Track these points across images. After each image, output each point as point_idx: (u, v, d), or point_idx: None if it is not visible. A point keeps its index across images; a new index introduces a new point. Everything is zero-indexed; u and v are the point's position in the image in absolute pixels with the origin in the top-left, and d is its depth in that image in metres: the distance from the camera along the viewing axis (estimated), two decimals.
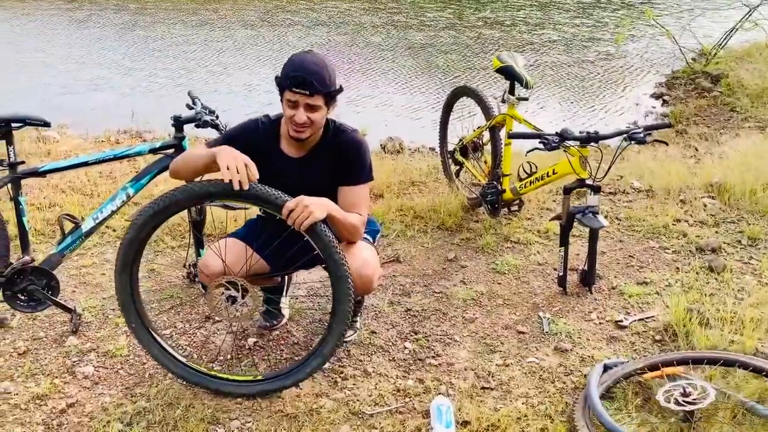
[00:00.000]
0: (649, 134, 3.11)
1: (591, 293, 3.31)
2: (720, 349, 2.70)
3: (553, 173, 3.48)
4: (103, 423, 2.41)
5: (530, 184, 3.65)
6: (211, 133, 3.10)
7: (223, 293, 2.46)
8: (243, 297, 2.44)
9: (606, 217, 4.11)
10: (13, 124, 2.81)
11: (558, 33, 11.14)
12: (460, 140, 4.37)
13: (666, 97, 8.21)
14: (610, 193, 4.51)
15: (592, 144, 3.16)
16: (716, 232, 3.91)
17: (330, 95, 2.42)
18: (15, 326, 3.00)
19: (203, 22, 12.25)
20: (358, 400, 2.55)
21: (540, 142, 3.11)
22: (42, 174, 2.90)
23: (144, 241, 2.39)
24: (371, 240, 2.76)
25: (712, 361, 2.49)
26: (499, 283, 3.42)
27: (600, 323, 3.08)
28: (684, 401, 2.25)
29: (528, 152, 3.27)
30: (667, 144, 3.29)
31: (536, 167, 3.63)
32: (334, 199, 2.53)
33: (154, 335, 2.52)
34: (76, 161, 2.97)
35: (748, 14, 8.60)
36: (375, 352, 2.86)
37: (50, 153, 5.32)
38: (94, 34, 11.40)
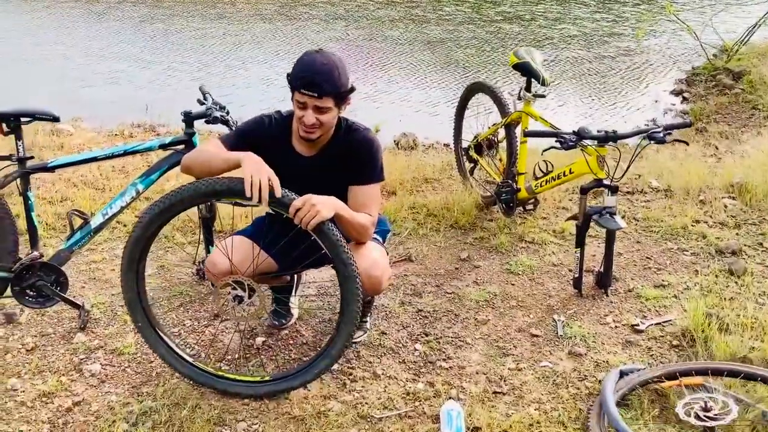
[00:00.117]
0: (669, 133, 3.03)
1: (607, 296, 3.24)
2: (740, 356, 2.62)
3: (570, 173, 3.41)
4: (109, 422, 2.38)
5: (546, 183, 3.58)
6: (221, 129, 3.07)
7: (229, 293, 2.43)
8: (250, 297, 2.40)
9: (623, 217, 4.03)
10: (23, 119, 2.78)
11: (577, 28, 11.00)
12: (475, 137, 4.30)
13: (686, 94, 8.08)
14: (627, 192, 4.43)
15: (609, 143, 3.08)
16: (737, 233, 3.81)
17: (340, 96, 2.36)
18: (24, 322, 2.98)
19: (221, 15, 12.24)
20: (366, 404, 2.50)
21: (556, 141, 3.04)
22: (51, 169, 2.88)
23: (150, 239, 2.35)
24: (381, 240, 2.71)
25: (733, 374, 2.40)
26: (513, 284, 3.36)
27: (615, 327, 3.01)
28: (705, 416, 2.18)
29: (544, 151, 3.20)
30: (687, 144, 3.20)
31: (552, 166, 3.56)
32: (345, 199, 2.49)
33: (161, 334, 2.49)
34: (85, 156, 2.95)
35: None
36: (385, 353, 2.81)
37: (63, 146, 5.32)
38: (113, 27, 11.43)
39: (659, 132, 3.00)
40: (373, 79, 8.21)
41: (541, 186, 3.62)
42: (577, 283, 3.25)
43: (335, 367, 2.67)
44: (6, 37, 10.62)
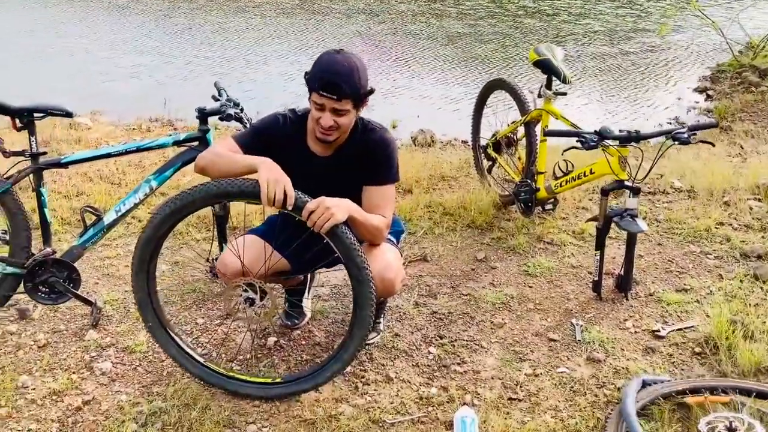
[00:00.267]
0: (694, 134, 2.94)
1: (627, 300, 3.16)
2: (765, 365, 2.54)
3: (591, 173, 3.33)
4: (118, 423, 2.36)
5: (566, 183, 3.50)
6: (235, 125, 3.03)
7: (240, 295, 2.39)
8: (261, 299, 2.36)
9: (644, 218, 3.94)
10: (36, 114, 2.76)
11: (601, 23, 10.85)
12: (494, 135, 4.23)
13: (710, 92, 7.93)
14: (649, 192, 4.33)
15: (632, 143, 3.00)
16: (762, 237, 3.71)
17: (359, 99, 2.31)
18: (37, 318, 2.97)
19: (242, 10, 12.23)
20: (378, 408, 2.45)
21: (577, 141, 2.96)
22: (64, 165, 2.86)
23: (161, 239, 2.32)
24: (395, 241, 2.66)
25: (763, 395, 2.31)
26: (531, 287, 3.29)
27: (635, 332, 2.93)
28: None
29: (565, 151, 3.13)
30: (713, 145, 3.10)
31: (573, 166, 3.48)
32: (359, 199, 2.44)
33: (172, 335, 2.46)
34: (98, 153, 2.92)
35: None
36: (398, 356, 2.76)
37: (81, 140, 5.33)
38: (135, 20, 11.46)
39: (683, 132, 2.91)
40: (392, 74, 8.16)
41: (560, 186, 3.54)
42: (597, 286, 3.17)
43: (347, 369, 2.63)
44: (29, 30, 10.69)
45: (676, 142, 2.92)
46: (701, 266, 3.47)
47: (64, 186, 4.24)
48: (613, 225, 3.08)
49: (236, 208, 3.41)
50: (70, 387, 2.54)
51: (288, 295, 2.94)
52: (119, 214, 2.88)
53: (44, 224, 2.88)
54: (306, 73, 2.31)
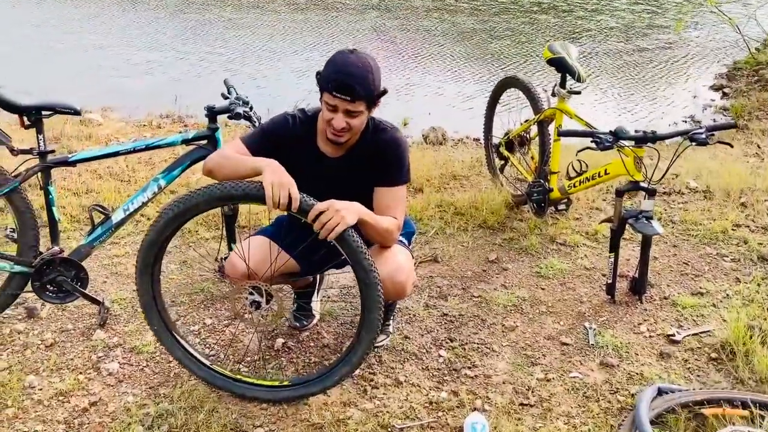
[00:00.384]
0: (712, 135, 2.87)
1: (641, 303, 3.10)
2: None
3: (605, 173, 3.27)
4: (125, 425, 2.33)
5: (580, 184, 3.44)
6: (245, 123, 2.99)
7: (247, 298, 2.36)
8: (267, 302, 2.33)
9: (659, 219, 3.88)
10: (44, 112, 2.74)
11: (616, 19, 10.73)
12: (506, 134, 4.17)
13: (726, 90, 7.82)
14: (664, 193, 4.26)
15: (648, 144, 2.94)
16: None
17: (372, 100, 2.26)
18: (44, 317, 2.96)
19: (254, 5, 12.19)
20: (387, 412, 2.42)
21: (592, 141, 2.90)
22: (72, 164, 2.84)
23: (165, 242, 2.29)
24: (406, 243, 2.61)
25: None
26: (543, 289, 3.24)
27: (650, 336, 2.88)
28: None
29: (579, 151, 3.07)
30: (731, 146, 3.03)
31: (587, 166, 3.42)
32: (370, 200, 2.40)
33: (177, 337, 2.43)
34: (107, 151, 2.90)
35: None
36: (408, 359, 2.72)
37: (91, 136, 5.32)
38: (148, 16, 11.45)
39: (701, 133, 2.85)
40: (404, 71, 8.10)
41: (574, 186, 3.48)
42: (611, 289, 3.12)
43: (356, 372, 2.60)
44: (41, 26, 10.71)
45: (694, 143, 2.86)
46: (717, 269, 3.41)
47: (73, 183, 4.23)
48: (627, 227, 3.03)
49: (245, 206, 3.37)
50: (76, 387, 2.52)
51: (297, 297, 2.91)
52: (127, 213, 2.86)
53: (52, 223, 2.86)
54: (318, 73, 2.27)
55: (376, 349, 2.75)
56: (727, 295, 3.17)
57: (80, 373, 2.60)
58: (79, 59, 8.81)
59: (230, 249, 3.14)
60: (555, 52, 3.61)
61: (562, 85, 3.63)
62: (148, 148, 2.93)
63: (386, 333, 2.81)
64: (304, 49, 9.32)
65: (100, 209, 2.87)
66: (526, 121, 3.99)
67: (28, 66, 8.33)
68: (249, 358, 2.72)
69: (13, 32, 10.11)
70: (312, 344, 2.82)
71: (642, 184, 2.97)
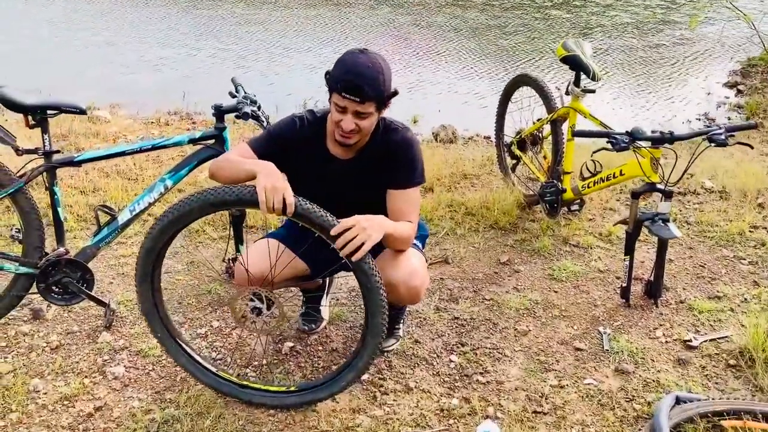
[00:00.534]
0: (732, 135, 2.80)
1: (657, 307, 3.04)
2: None
3: (620, 174, 3.20)
4: (129, 431, 2.29)
5: (594, 185, 3.38)
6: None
7: (247, 305, 2.31)
8: (269, 308, 2.28)
9: (674, 220, 3.80)
10: (49, 112, 2.69)
11: (630, 15, 10.60)
12: (518, 133, 4.10)
13: (741, 87, 7.71)
14: (679, 193, 4.19)
15: (665, 145, 2.87)
16: None
17: (383, 101, 2.21)
18: (50, 318, 2.92)
19: (266, 1, 12.12)
20: (397, 419, 2.36)
21: (608, 142, 2.83)
22: (77, 164, 2.79)
23: (162, 249, 2.25)
24: (420, 246, 2.55)
25: None
26: (556, 292, 3.18)
27: (666, 342, 2.81)
28: None
29: (595, 152, 3.00)
30: (751, 147, 2.96)
31: (601, 166, 3.35)
32: (382, 203, 2.35)
33: (182, 344, 2.39)
34: (113, 151, 2.85)
35: None
36: (418, 364, 2.66)
37: (99, 134, 5.28)
38: (159, 12, 11.40)
39: (720, 134, 2.77)
40: (416, 68, 8.02)
41: (588, 187, 3.42)
42: (625, 292, 3.05)
43: (365, 377, 2.55)
44: (54, 22, 10.69)
45: (713, 144, 2.78)
46: (735, 272, 3.33)
47: (80, 181, 4.19)
48: (643, 229, 2.96)
49: None
50: (82, 392, 2.48)
51: (305, 300, 2.86)
52: (133, 213, 2.81)
53: (58, 223, 2.82)
54: (327, 73, 2.21)
55: (385, 354, 2.70)
56: (745, 299, 3.10)
57: (85, 376, 2.56)
58: (89, 56, 8.77)
59: (237, 250, 3.10)
60: (569, 49, 3.54)
61: (576, 83, 3.55)
62: (154, 147, 2.88)
63: (396, 337, 2.76)
64: (316, 45, 9.25)
65: (106, 210, 2.83)
66: (539, 119, 3.91)
67: (38, 63, 8.31)
68: (256, 362, 2.68)
69: (25, 28, 10.09)
70: (320, 348, 2.77)
71: (659, 186, 2.90)
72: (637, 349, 2.75)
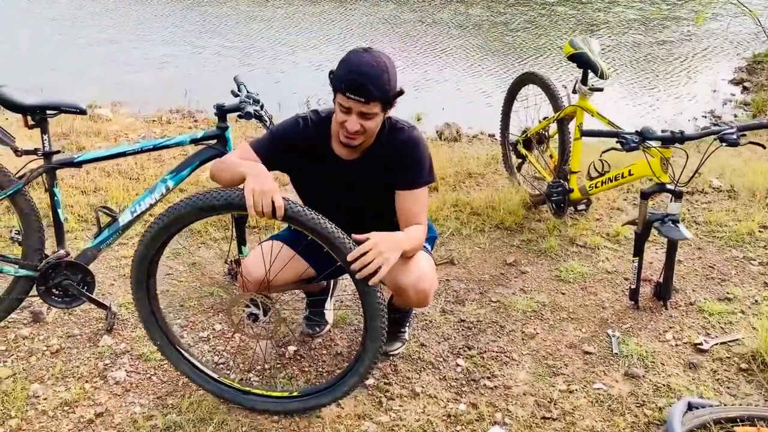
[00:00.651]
0: (743, 135, 2.75)
1: (666, 309, 2.99)
2: None
3: (629, 174, 3.15)
4: None
5: (602, 185, 3.32)
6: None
7: (243, 311, 2.27)
8: (265, 314, 2.24)
9: (682, 220, 3.75)
10: (48, 112, 2.64)
11: (635, 11, 10.52)
12: (524, 131, 4.05)
13: (746, 84, 7.65)
14: (686, 192, 4.13)
15: (675, 145, 2.81)
16: None
17: (388, 101, 2.15)
18: (50, 321, 2.88)
19: None
20: (404, 426, 2.32)
21: (618, 142, 2.78)
22: (78, 165, 2.74)
23: (155, 256, 2.20)
24: (429, 248, 2.51)
25: None
26: (563, 293, 3.13)
27: (676, 345, 2.76)
28: None
29: (604, 152, 2.95)
30: (764, 147, 2.91)
31: (609, 166, 3.30)
32: (388, 204, 2.30)
33: (182, 351, 2.35)
34: (113, 151, 2.80)
35: None
36: (424, 368, 2.62)
37: (100, 132, 5.23)
38: (163, 10, 11.34)
39: (732, 133, 2.72)
40: (420, 65, 7.96)
41: (596, 187, 3.37)
42: (634, 294, 3.00)
43: (371, 381, 2.50)
44: (59, 19, 10.63)
45: (724, 144, 2.73)
46: (744, 273, 3.28)
47: (81, 181, 4.14)
48: (653, 230, 2.91)
49: None
50: (82, 397, 2.43)
51: (309, 303, 2.82)
52: (135, 215, 2.76)
53: (58, 225, 2.77)
54: (331, 72, 2.16)
55: (391, 358, 2.65)
56: (756, 301, 3.05)
57: (86, 381, 2.52)
58: (93, 54, 8.72)
59: (240, 251, 3.05)
60: (576, 47, 3.49)
61: (584, 81, 3.50)
62: (156, 148, 2.83)
63: (402, 340, 2.71)
64: (320, 42, 9.19)
65: (107, 211, 2.78)
66: (545, 118, 3.86)
67: (41, 61, 8.26)
68: (259, 367, 2.63)
69: (28, 27, 10.04)
70: (324, 351, 2.72)
71: (669, 186, 2.85)
72: (646, 352, 2.70)
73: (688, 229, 3.62)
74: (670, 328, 2.87)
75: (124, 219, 2.76)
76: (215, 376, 2.36)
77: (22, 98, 2.60)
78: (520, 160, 4.17)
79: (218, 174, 2.22)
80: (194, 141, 2.83)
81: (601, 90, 3.51)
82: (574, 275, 3.26)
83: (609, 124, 3.34)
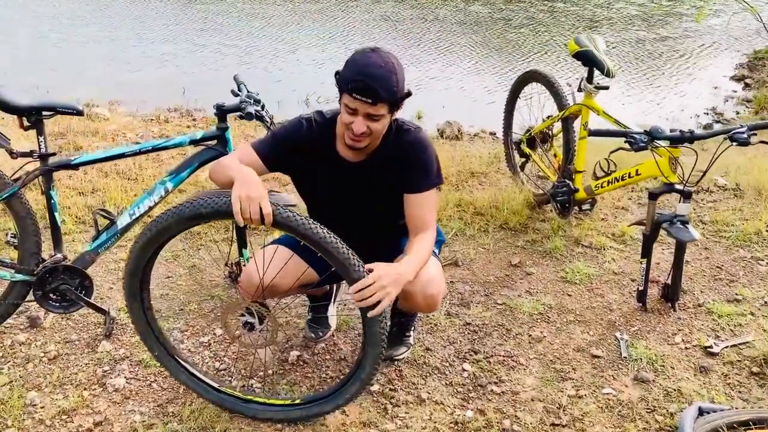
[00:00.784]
0: (754, 134, 2.70)
1: (674, 311, 2.94)
2: None
3: (636, 174, 3.10)
4: None
5: (608, 184, 3.27)
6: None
7: (238, 319, 2.22)
8: (261, 323, 2.19)
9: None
10: (44, 113, 2.58)
11: (636, 7, 10.47)
12: (528, 130, 3.99)
13: (748, 80, 7.61)
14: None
15: (685, 144, 2.76)
16: None
17: (395, 103, 2.09)
18: (48, 326, 2.82)
19: None
20: None
21: (626, 142, 2.73)
22: (74, 167, 2.68)
23: (146, 268, 2.15)
24: (437, 252, 2.45)
25: None
26: (570, 295, 3.08)
27: (686, 348, 2.72)
28: None
29: (612, 152, 2.90)
30: None
31: (615, 165, 3.24)
32: (393, 207, 2.24)
33: (181, 362, 2.29)
34: (111, 153, 2.74)
35: None
36: (430, 373, 2.56)
37: (98, 132, 5.16)
38: (163, 7, 11.25)
39: (743, 132, 2.67)
40: (421, 63, 7.90)
41: (602, 187, 3.32)
42: (642, 296, 2.95)
43: (375, 387, 2.45)
44: (56, 17, 10.54)
45: (735, 143, 2.68)
46: (753, 273, 3.24)
47: (78, 182, 4.08)
48: (661, 231, 2.86)
49: None
50: (81, 405, 2.38)
51: (311, 307, 2.76)
52: (133, 217, 2.70)
53: (55, 228, 2.71)
54: (337, 73, 2.10)
55: (396, 363, 2.60)
56: (765, 302, 3.00)
57: (85, 389, 2.46)
58: (91, 52, 8.65)
59: (241, 254, 2.99)
60: (582, 44, 3.43)
61: (590, 79, 3.45)
62: (154, 149, 2.77)
63: (407, 345, 2.66)
64: (320, 40, 9.12)
65: (105, 214, 2.72)
66: (549, 117, 3.81)
67: (39, 60, 8.19)
68: (261, 373, 2.58)
69: (27, 24, 9.95)
70: (328, 357, 2.67)
71: (677, 187, 2.80)
72: (656, 356, 2.65)
73: (695, 229, 3.59)
74: (679, 330, 2.82)
75: (122, 222, 2.71)
76: (215, 385, 2.30)
77: (17, 99, 2.54)
78: (523, 159, 4.12)
79: (214, 176, 2.18)
80: (194, 142, 2.77)
81: (607, 88, 3.46)
82: (581, 276, 3.21)
83: (615, 122, 3.29)
